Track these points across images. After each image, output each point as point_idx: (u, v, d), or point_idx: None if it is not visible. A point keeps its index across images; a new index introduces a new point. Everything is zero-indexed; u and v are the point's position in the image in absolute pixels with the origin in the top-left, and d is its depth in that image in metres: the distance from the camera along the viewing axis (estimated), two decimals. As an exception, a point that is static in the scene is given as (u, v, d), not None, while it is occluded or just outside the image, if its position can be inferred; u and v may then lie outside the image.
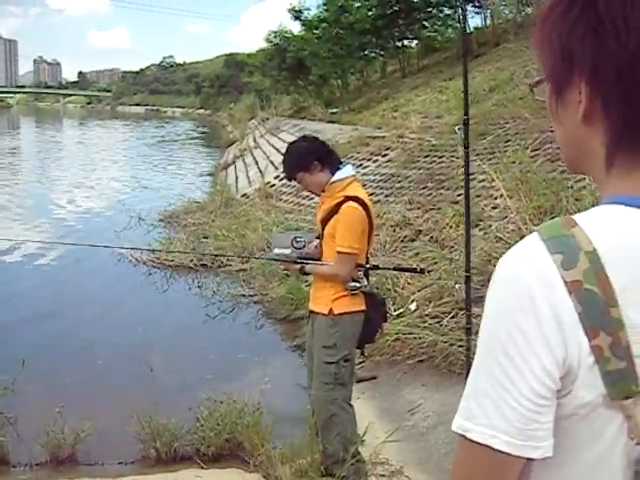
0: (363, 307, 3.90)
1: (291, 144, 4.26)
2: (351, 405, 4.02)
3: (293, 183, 4.42)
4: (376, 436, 4.55)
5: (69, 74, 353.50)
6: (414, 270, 5.23)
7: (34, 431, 4.73)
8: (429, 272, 6.57)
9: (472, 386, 0.89)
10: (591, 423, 0.87)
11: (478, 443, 0.86)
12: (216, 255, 9.46)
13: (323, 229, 3.94)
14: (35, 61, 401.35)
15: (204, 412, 4.87)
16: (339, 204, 3.84)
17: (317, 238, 4.06)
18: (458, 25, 24.66)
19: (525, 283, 0.85)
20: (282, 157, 4.24)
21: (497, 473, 0.87)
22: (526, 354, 0.84)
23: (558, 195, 6.85)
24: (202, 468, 4.54)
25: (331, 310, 3.86)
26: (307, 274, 4.16)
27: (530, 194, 7.18)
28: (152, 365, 5.95)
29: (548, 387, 0.84)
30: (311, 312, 4.08)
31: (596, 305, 0.83)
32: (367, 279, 3.98)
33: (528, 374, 0.84)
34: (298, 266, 4.02)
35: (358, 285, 3.86)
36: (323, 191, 3.98)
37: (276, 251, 4.12)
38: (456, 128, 4.59)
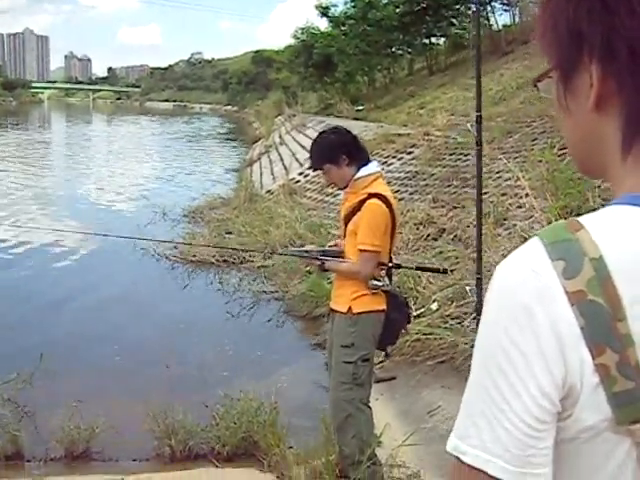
0: (383, 306, 3.81)
1: (321, 134, 4.16)
2: (369, 406, 3.94)
3: (317, 180, 4.39)
4: (394, 438, 4.47)
5: (99, 70, 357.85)
6: (437, 270, 5.14)
7: (49, 426, 4.74)
8: (452, 272, 6.49)
9: (467, 403, 0.81)
10: (596, 448, 0.78)
11: (472, 467, 0.77)
12: (238, 250, 9.41)
13: (346, 226, 3.87)
14: (66, 57, 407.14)
15: (220, 410, 4.83)
16: (362, 201, 3.76)
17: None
18: (485, 21, 24.40)
19: (522, 294, 0.77)
20: (310, 146, 4.14)
21: None
22: (522, 373, 0.76)
23: (585, 195, 6.71)
24: (216, 467, 4.50)
25: (350, 309, 3.79)
26: (327, 270, 4.09)
27: (556, 193, 7.05)
28: (170, 361, 5.91)
29: (546, 410, 0.76)
30: (331, 310, 4.01)
31: (601, 319, 0.74)
32: (390, 278, 3.90)
33: (524, 395, 0.75)
34: (319, 262, 3.95)
35: (379, 284, 3.77)
36: (346, 186, 3.92)
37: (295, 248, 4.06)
38: (469, 125, 4.57)
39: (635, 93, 0.80)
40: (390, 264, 3.91)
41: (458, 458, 0.79)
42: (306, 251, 4.07)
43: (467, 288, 5.75)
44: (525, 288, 0.77)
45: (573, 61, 0.83)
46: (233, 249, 9.43)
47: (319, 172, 4.14)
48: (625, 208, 0.80)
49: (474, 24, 25.57)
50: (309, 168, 4.45)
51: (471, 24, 26.32)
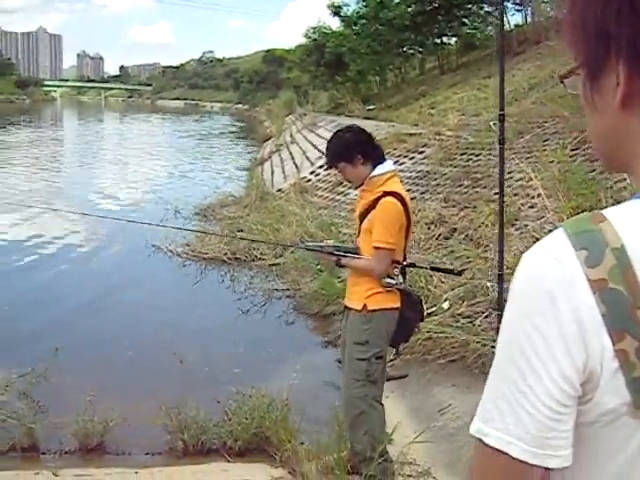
0: (397, 304, 3.83)
1: (337, 132, 4.21)
2: (381, 403, 3.97)
3: (328, 179, 4.41)
4: (405, 435, 4.50)
5: (111, 68, 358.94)
6: (450, 271, 5.15)
7: (64, 419, 4.77)
8: (463, 271, 6.50)
9: (490, 387, 0.84)
10: (614, 432, 0.81)
11: (494, 449, 0.81)
12: (255, 241, 9.45)
13: (361, 224, 3.91)
14: (79, 55, 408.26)
15: (232, 406, 4.87)
16: (377, 199, 3.79)
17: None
18: (497, 21, 24.33)
19: (546, 282, 0.80)
20: (326, 144, 4.18)
21: None
22: (545, 358, 0.79)
23: (597, 195, 6.70)
24: (228, 462, 4.53)
25: (365, 306, 3.81)
26: (343, 266, 4.11)
27: (568, 194, 7.04)
28: (182, 357, 5.95)
29: (567, 393, 0.79)
30: (345, 307, 4.04)
31: (622, 306, 0.77)
32: (404, 277, 3.92)
33: (546, 379, 0.79)
34: (334, 258, 3.98)
35: (393, 282, 3.79)
36: (362, 184, 3.94)
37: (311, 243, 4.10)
38: (491, 123, 4.60)
39: None
40: (404, 262, 3.93)
41: (481, 440, 0.82)
42: (321, 246, 4.13)
43: (488, 284, 5.74)
44: (549, 276, 0.79)
45: (600, 60, 0.85)
46: (252, 240, 9.46)
47: (331, 171, 4.18)
48: None
49: (489, 23, 25.60)
50: (321, 167, 4.49)
51: (483, 24, 26.37)
